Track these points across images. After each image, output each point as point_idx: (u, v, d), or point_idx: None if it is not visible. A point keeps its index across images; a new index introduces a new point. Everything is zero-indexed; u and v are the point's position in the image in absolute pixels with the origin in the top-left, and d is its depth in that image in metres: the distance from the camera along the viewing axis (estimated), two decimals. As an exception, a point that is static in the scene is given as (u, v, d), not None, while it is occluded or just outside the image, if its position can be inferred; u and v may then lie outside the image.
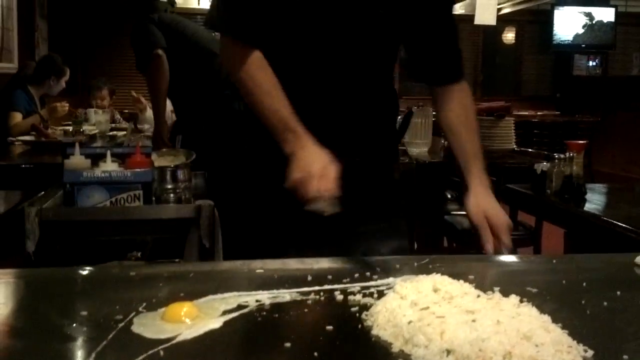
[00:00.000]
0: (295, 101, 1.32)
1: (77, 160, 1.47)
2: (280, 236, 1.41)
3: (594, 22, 8.92)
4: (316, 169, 1.15)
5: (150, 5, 3.25)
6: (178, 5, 3.51)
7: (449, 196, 3.58)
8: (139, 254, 1.70)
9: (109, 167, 1.47)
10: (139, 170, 1.47)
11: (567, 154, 1.90)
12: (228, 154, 2.34)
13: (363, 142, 1.44)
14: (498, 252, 1.30)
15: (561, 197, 1.92)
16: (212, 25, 1.48)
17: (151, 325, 0.80)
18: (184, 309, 0.82)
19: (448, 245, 3.62)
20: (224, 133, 2.81)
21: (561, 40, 8.94)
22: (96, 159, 1.49)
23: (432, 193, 3.52)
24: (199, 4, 4.89)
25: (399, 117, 1.67)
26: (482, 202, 1.36)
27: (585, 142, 1.93)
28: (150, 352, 0.71)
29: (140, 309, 0.84)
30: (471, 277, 0.96)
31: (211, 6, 1.30)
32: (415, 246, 3.22)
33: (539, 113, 7.38)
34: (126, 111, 4.98)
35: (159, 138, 3.21)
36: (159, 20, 3.16)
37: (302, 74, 1.36)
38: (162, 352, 0.72)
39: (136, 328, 0.79)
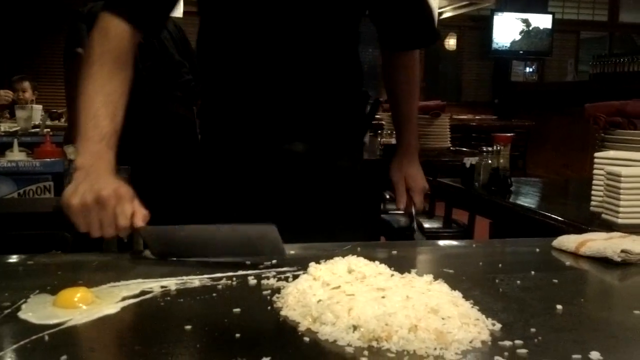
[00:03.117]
0: (255, 79, 1.27)
1: (-20, 149, 1.39)
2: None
3: (530, 28, 9.19)
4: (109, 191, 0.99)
5: None
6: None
7: (387, 196, 3.59)
8: (59, 252, 1.62)
9: (16, 156, 1.39)
10: (48, 160, 1.39)
11: (494, 147, 1.92)
12: (155, 149, 2.27)
13: (328, 123, 1.34)
14: (409, 210, 1.46)
15: (488, 189, 1.94)
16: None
17: (40, 311, 0.74)
18: (77, 294, 0.77)
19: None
20: (156, 130, 2.73)
21: (499, 47, 9.18)
22: (3, 148, 1.41)
23: (370, 192, 3.52)
24: None
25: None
26: (404, 165, 1.47)
27: (511, 135, 1.96)
28: (34, 337, 0.66)
29: (31, 295, 0.78)
30: (390, 260, 0.94)
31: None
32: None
33: (477, 117, 7.53)
34: (57, 111, 4.78)
35: (70, 137, 3.10)
36: (88, 13, 3.04)
37: (263, 48, 1.27)
38: (47, 337, 0.66)
39: (23, 314, 0.73)
